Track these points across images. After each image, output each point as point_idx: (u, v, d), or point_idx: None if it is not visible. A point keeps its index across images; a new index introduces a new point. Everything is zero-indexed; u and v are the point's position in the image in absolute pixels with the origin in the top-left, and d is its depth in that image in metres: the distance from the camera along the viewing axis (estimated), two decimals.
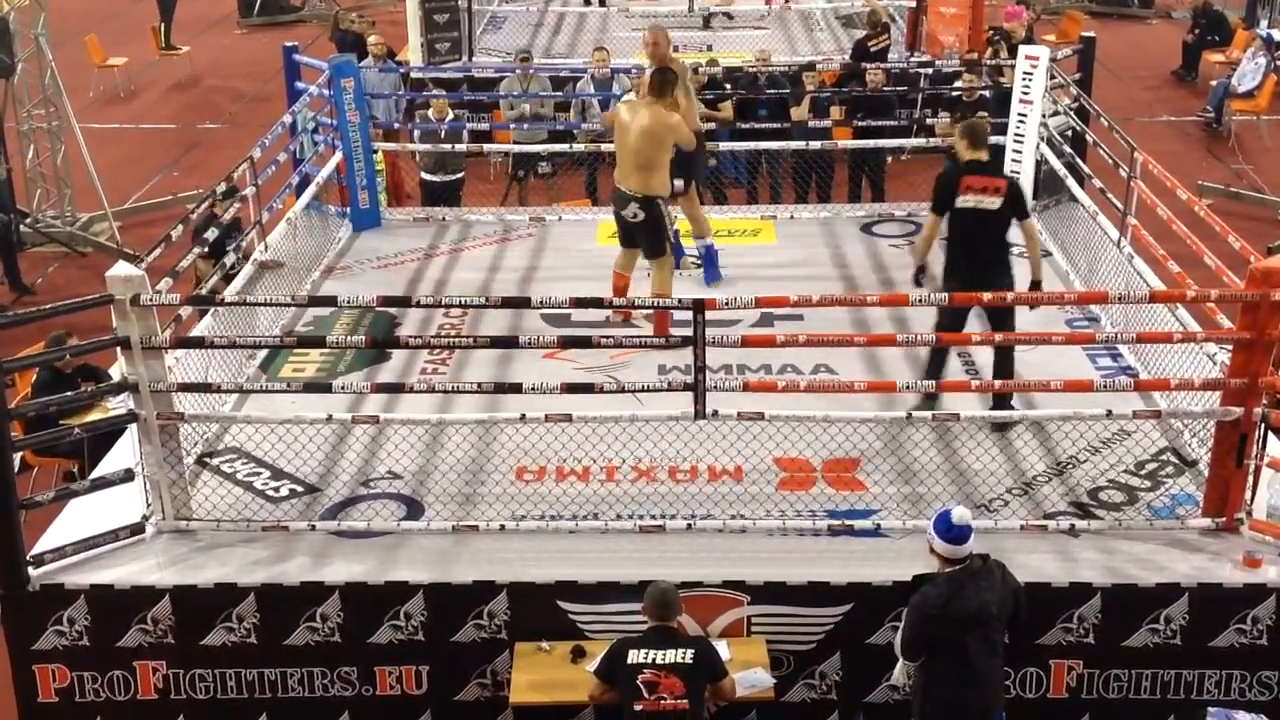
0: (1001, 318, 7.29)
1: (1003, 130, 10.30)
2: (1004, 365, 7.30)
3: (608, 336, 6.78)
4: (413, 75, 13.89)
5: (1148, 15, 21.73)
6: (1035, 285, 7.34)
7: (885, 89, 12.18)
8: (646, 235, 8.46)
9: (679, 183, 8.77)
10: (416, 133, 12.12)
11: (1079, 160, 9.99)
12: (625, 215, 8.43)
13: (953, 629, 5.46)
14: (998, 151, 10.46)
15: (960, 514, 5.49)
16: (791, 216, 10.84)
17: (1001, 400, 7.25)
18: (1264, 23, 18.38)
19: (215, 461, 7.20)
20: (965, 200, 7.23)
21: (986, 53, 13.33)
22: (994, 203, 7.22)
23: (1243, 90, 15.99)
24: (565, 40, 17.15)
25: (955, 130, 7.92)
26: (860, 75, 12.63)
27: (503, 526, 6.57)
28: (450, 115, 12.08)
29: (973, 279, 7.13)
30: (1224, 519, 6.47)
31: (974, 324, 7.52)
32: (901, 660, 5.66)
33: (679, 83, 8.61)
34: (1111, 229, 9.00)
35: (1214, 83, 16.75)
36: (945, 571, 5.53)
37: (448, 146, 11.73)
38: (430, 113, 12.07)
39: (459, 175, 12.16)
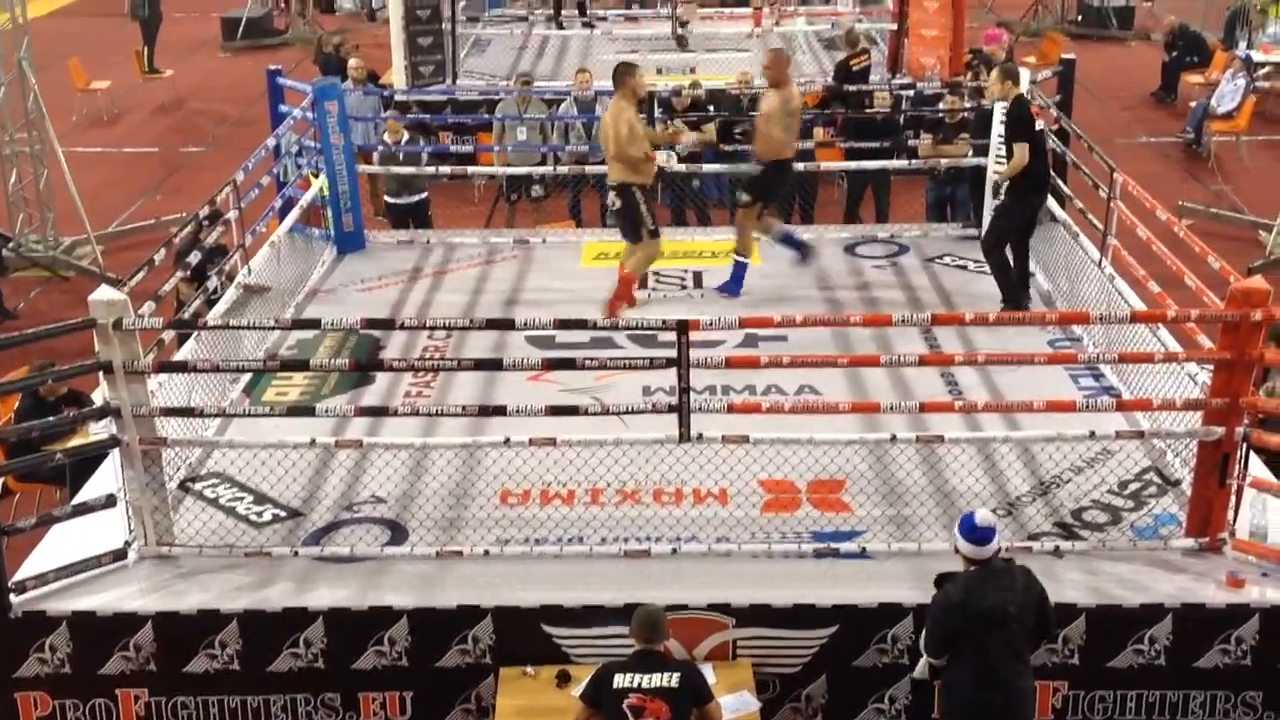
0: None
1: (984, 151, 10.37)
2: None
3: (592, 358, 6.78)
4: (396, 98, 13.90)
5: (1127, 37, 21.88)
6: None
7: (883, 110, 12.23)
8: (624, 220, 9.15)
9: (744, 195, 9.52)
10: (376, 157, 12.12)
11: (1060, 181, 10.03)
12: (609, 204, 9.18)
13: (970, 624, 5.49)
14: (979, 171, 10.57)
15: (984, 516, 5.57)
16: None
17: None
18: (1242, 44, 18.52)
19: (198, 486, 7.17)
20: (1039, 125, 8.74)
21: (966, 75, 13.40)
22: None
23: (1222, 111, 16.09)
24: (549, 64, 17.20)
25: (995, 76, 9.20)
26: (843, 96, 12.68)
27: (487, 551, 6.55)
28: (405, 137, 12.09)
29: (1044, 189, 9.13)
30: (1207, 539, 6.49)
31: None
32: (925, 656, 5.71)
33: (784, 106, 9.22)
34: (1093, 249, 9.04)
35: (1193, 104, 16.86)
36: (969, 570, 5.58)
37: (421, 169, 11.74)
38: (385, 136, 12.08)
39: (422, 196, 12.13)
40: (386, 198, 12.20)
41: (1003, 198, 9.18)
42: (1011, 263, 9.12)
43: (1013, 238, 9.08)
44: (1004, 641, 5.52)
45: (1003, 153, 9.61)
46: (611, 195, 9.17)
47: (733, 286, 9.59)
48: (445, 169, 11.96)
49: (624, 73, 9.07)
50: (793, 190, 12.28)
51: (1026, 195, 8.91)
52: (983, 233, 9.73)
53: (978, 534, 5.53)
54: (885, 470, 7.17)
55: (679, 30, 17.55)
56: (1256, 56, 17.50)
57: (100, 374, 6.34)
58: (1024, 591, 5.58)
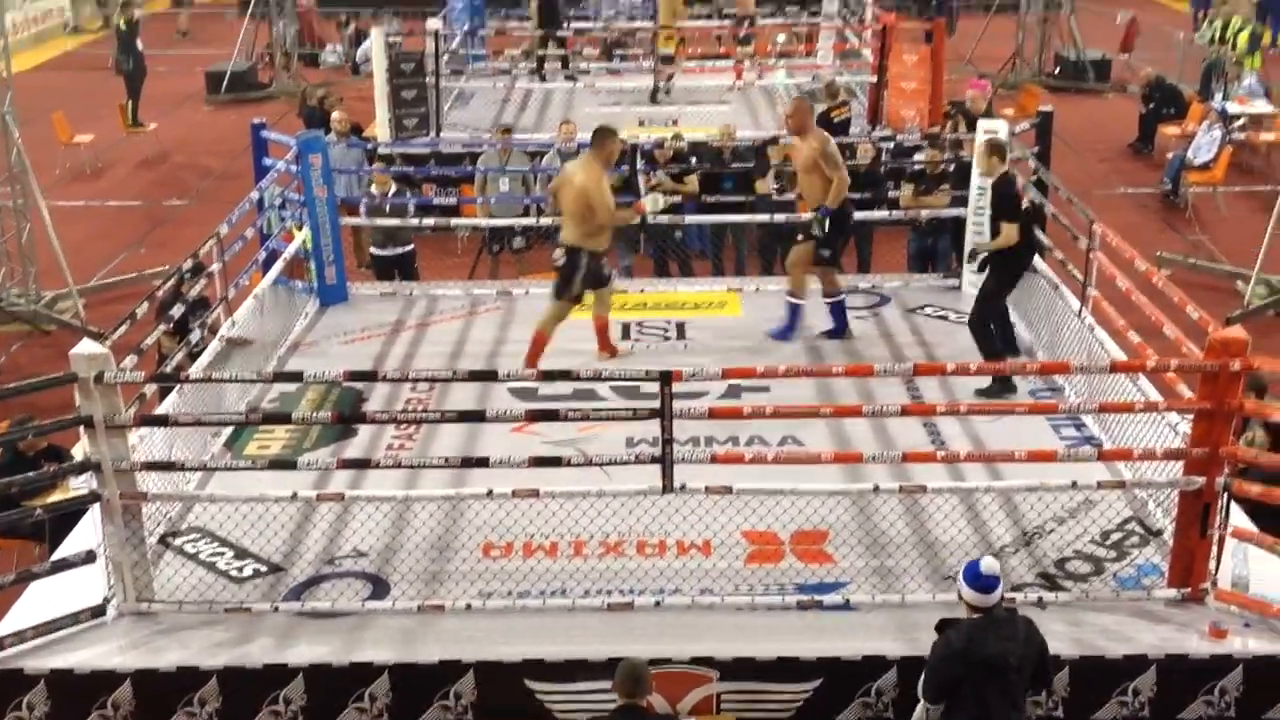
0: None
1: (964, 202, 10.46)
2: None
3: (575, 410, 6.78)
4: (379, 151, 13.96)
5: (1104, 89, 22.11)
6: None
7: (864, 162, 12.29)
8: (559, 277, 9.03)
9: (825, 251, 9.47)
10: (363, 208, 12.17)
11: (1039, 232, 10.11)
12: (553, 258, 9.07)
13: (971, 671, 5.47)
14: (959, 223, 10.64)
15: (989, 564, 5.56)
16: (757, 289, 10.92)
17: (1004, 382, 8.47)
18: (1218, 96, 18.74)
19: (178, 541, 7.13)
20: (1024, 203, 8.80)
21: (945, 126, 13.53)
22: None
23: (1199, 162, 16.25)
24: (532, 116, 17.31)
25: (981, 149, 9.09)
26: None
27: (469, 605, 6.52)
28: (393, 189, 12.14)
29: (1025, 267, 9.05)
30: (1190, 589, 6.49)
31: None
32: (922, 701, 5.68)
33: (821, 150, 9.25)
34: (1073, 300, 9.10)
35: (1170, 155, 17.02)
36: (971, 617, 5.57)
37: (405, 220, 11.79)
38: (373, 188, 12.13)
39: (409, 248, 12.16)
40: (373, 249, 12.23)
41: (987, 275, 8.88)
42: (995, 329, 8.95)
43: (993, 309, 8.92)
44: (1002, 691, 5.50)
45: (981, 222, 9.72)
46: (559, 251, 8.99)
47: (785, 332, 9.65)
48: (428, 221, 12.00)
49: (606, 136, 8.99)
50: (774, 242, 12.39)
51: (1013, 276, 8.86)
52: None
53: (982, 582, 5.52)
54: (868, 521, 7.17)
55: (660, 88, 17.71)
56: (1232, 108, 17.71)
57: (81, 428, 6.32)
58: (1025, 642, 5.57)
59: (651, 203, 9.25)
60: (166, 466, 6.83)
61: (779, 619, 6.45)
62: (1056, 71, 22.50)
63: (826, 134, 9.62)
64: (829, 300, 9.71)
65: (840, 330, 9.70)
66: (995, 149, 8.74)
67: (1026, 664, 5.57)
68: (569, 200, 8.89)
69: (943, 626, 5.66)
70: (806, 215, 9.65)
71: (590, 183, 8.80)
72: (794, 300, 9.65)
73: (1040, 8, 22.48)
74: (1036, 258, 9.85)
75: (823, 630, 6.35)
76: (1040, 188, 10.27)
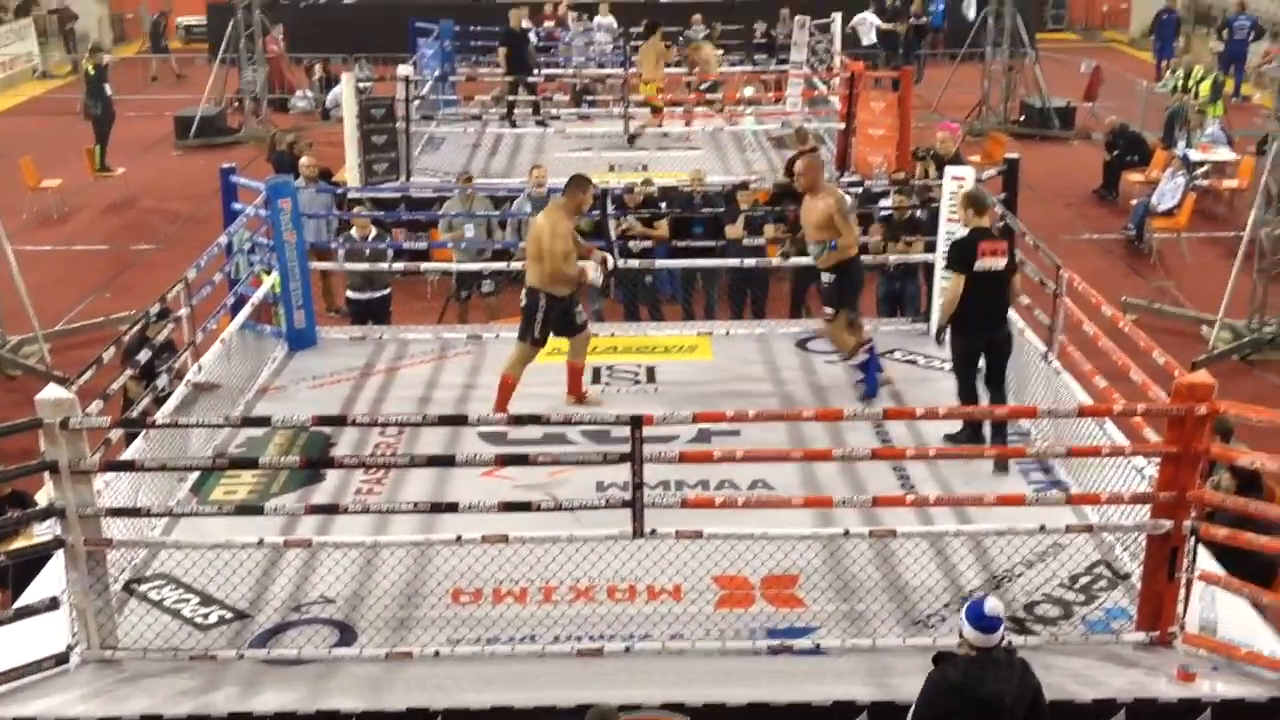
0: (1005, 358, 8.51)
1: (933, 248, 10.53)
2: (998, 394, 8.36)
3: (545, 454, 6.76)
4: (349, 196, 13.96)
5: (1068, 137, 22.36)
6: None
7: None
8: (521, 318, 9.11)
9: (828, 309, 9.38)
10: (341, 252, 12.18)
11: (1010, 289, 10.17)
12: (522, 298, 9.14)
13: (965, 707, 5.44)
14: (929, 267, 10.70)
15: (993, 605, 5.53)
16: (727, 332, 10.95)
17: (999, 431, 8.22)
18: (1181, 143, 18.98)
19: (143, 588, 7.05)
20: (983, 263, 8.23)
21: (916, 170, 13.65)
22: (1001, 263, 8.35)
23: (1163, 209, 16.44)
24: (502, 161, 17.36)
25: (959, 201, 8.95)
26: (794, 193, 12.84)
27: (437, 652, 6.46)
28: (373, 233, 12.16)
29: (987, 329, 8.36)
30: (1158, 633, 6.51)
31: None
32: None
33: (839, 208, 9.22)
34: (1039, 344, 9.16)
35: (1135, 201, 17.21)
36: (970, 655, 5.54)
37: (375, 264, 11.79)
38: (353, 231, 12.15)
39: (386, 291, 12.21)
40: (349, 293, 12.24)
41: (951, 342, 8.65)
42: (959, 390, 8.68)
43: (963, 373, 8.59)
44: None
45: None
46: (523, 292, 9.11)
47: (869, 387, 9.41)
48: (398, 265, 12.00)
49: (575, 185, 9.03)
50: (744, 286, 12.44)
51: (968, 341, 8.48)
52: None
53: (985, 622, 5.50)
54: (839, 565, 7.16)
55: (636, 133, 17.81)
56: (1195, 155, 17.94)
57: (46, 474, 6.26)
58: (1020, 683, 5.55)
59: (593, 270, 9.07)
60: (132, 512, 6.76)
61: (750, 664, 6.42)
62: (1022, 119, 22.76)
63: (839, 191, 9.68)
64: (850, 362, 9.66)
65: (870, 389, 9.48)
66: (968, 201, 8.63)
67: (1020, 705, 5.54)
68: (530, 242, 9.02)
69: (939, 660, 5.63)
70: (806, 260, 9.86)
71: (546, 227, 8.85)
72: (855, 359, 9.46)
73: (1006, 56, 22.76)
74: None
75: (793, 675, 6.33)
76: (1007, 234, 10.36)
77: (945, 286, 9.35)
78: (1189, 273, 15.60)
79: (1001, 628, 5.53)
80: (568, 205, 9.00)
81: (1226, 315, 13.19)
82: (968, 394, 8.55)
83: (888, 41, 26.55)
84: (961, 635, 5.59)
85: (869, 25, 26.40)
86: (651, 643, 6.53)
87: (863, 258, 11.45)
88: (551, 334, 9.13)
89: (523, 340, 9.11)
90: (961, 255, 8.35)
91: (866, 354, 9.47)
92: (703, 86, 18.74)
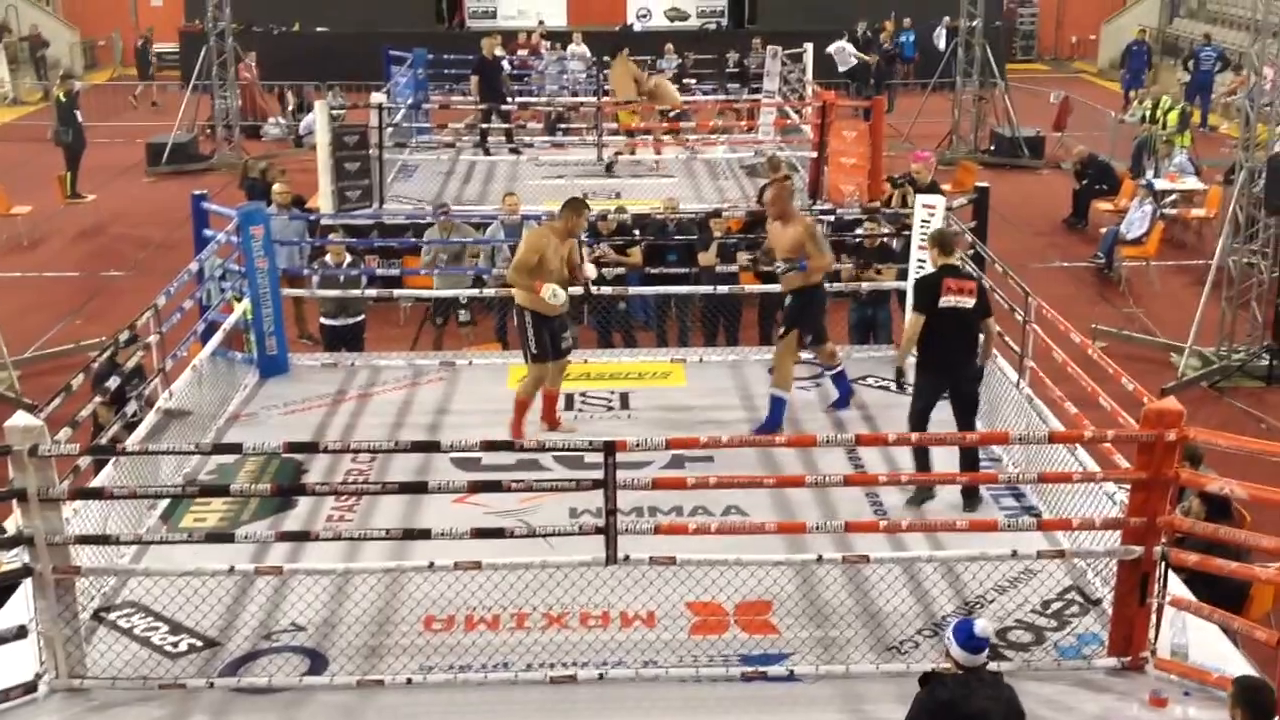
0: (971, 404, 8.28)
1: (905, 275, 10.59)
2: (970, 460, 8.04)
3: (518, 480, 6.75)
4: (322, 222, 13.93)
5: (1038, 166, 22.55)
6: (979, 370, 8.36)
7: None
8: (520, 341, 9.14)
9: (781, 329, 9.43)
10: (315, 279, 12.16)
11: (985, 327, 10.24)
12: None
13: None
14: (901, 294, 10.75)
15: (982, 626, 5.54)
16: (700, 359, 10.97)
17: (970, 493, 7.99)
18: (1149, 172, 19.17)
19: (112, 616, 6.98)
20: (947, 301, 8.06)
21: (895, 196, 13.73)
22: (969, 302, 8.13)
23: (1131, 237, 16.59)
24: (476, 188, 17.37)
25: (926, 240, 8.80)
26: (765, 222, 12.89)
27: (409, 679, 6.43)
28: (348, 259, 12.14)
29: (949, 369, 8.13)
30: (1129, 658, 6.53)
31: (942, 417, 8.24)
32: None
33: (810, 234, 9.28)
34: (1010, 371, 9.22)
35: (1104, 230, 17.36)
36: (957, 674, 5.55)
37: (348, 291, 11.77)
38: (328, 258, 12.14)
39: (360, 318, 12.21)
40: (324, 320, 12.21)
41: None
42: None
43: (915, 413, 8.32)
44: None
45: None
46: (514, 310, 9.23)
47: (770, 424, 9.26)
48: (371, 291, 11.99)
49: (568, 207, 9.05)
50: (717, 313, 12.47)
51: (928, 379, 8.27)
52: None
53: (974, 643, 5.51)
54: (812, 591, 7.17)
55: (609, 161, 17.86)
56: (1163, 185, 18.11)
57: (14, 502, 6.20)
58: (1006, 704, 5.56)
59: (550, 294, 8.92)
60: (101, 540, 6.71)
61: (723, 691, 6.40)
62: (992, 148, 22.94)
63: (809, 218, 9.70)
64: (830, 373, 9.79)
65: (845, 399, 9.67)
66: (934, 240, 8.46)
67: None
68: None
69: (927, 679, 5.63)
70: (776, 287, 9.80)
71: (523, 240, 8.97)
72: (777, 393, 9.33)
73: (976, 86, 22.97)
74: None
75: (767, 702, 6.32)
76: (978, 261, 10.44)
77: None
78: (1158, 300, 15.73)
79: (988, 649, 5.55)
80: (560, 227, 9.04)
81: (1195, 342, 13.30)
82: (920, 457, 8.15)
83: (859, 72, 26.78)
84: (948, 654, 5.61)
85: (847, 54, 26.67)
86: (625, 670, 6.51)
87: (835, 285, 11.60)
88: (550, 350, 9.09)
89: (527, 361, 9.15)
90: (925, 294, 8.23)
91: (830, 373, 9.68)
92: (672, 115, 18.79)
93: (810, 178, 16.33)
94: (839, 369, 9.78)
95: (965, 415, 8.30)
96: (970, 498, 8.05)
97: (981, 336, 8.35)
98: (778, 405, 9.28)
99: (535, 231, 9.09)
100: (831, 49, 26.16)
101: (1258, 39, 13.61)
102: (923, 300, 8.23)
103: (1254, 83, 13.84)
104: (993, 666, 6.36)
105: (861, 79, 26.59)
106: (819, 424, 9.48)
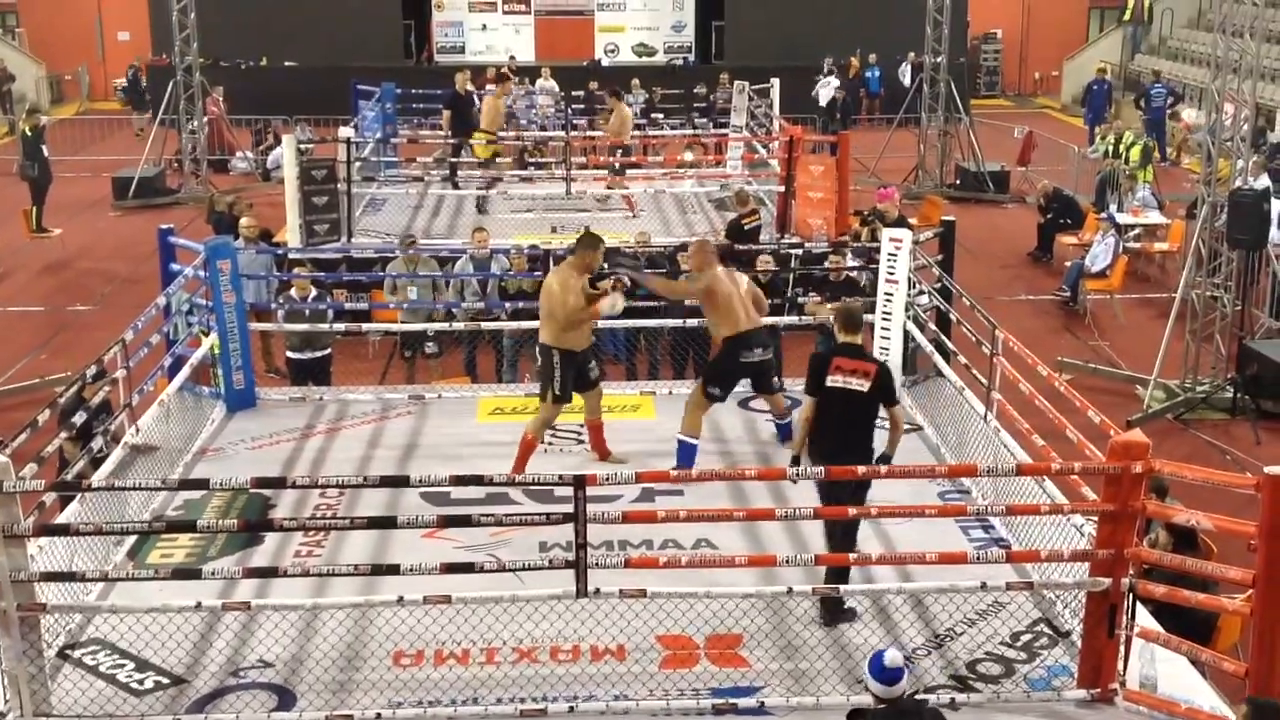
0: (856, 491, 7.29)
1: (873, 309, 10.64)
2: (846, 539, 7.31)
3: (488, 514, 6.74)
4: (290, 256, 13.90)
5: (1003, 200, 22.76)
6: (883, 459, 7.37)
7: (769, 270, 12.48)
8: (540, 377, 9.19)
9: (715, 390, 9.24)
10: (281, 312, 12.12)
11: (944, 338, 10.33)
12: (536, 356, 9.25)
13: None
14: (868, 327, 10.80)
15: (892, 657, 5.60)
16: (670, 392, 10.98)
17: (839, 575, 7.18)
18: (1113, 207, 19.37)
19: (78, 654, 6.91)
20: (834, 380, 7.35)
21: (864, 232, 13.82)
22: (862, 385, 7.33)
23: (1096, 270, 16.75)
24: (444, 221, 17.38)
25: (830, 313, 8.12)
26: (734, 254, 12.96)
27: (379, 715, 6.38)
28: (313, 293, 12.11)
29: (832, 456, 7.18)
30: (1099, 690, 6.56)
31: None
32: None
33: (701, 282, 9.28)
34: (978, 403, 9.27)
35: (1068, 263, 17.52)
36: (878, 708, 5.59)
37: (315, 325, 11.74)
38: (293, 292, 12.11)
39: (326, 351, 12.15)
40: (290, 354, 12.15)
41: None
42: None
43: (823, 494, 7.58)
44: None
45: (888, 326, 9.84)
46: (538, 350, 9.22)
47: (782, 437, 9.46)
48: (339, 325, 11.96)
49: (582, 245, 9.15)
50: (687, 346, 12.49)
51: (811, 454, 7.51)
52: None
53: (887, 674, 5.57)
54: (783, 624, 7.17)
55: (605, 192, 17.92)
56: (1126, 219, 18.31)
57: None
58: None
59: (609, 305, 9.13)
60: (67, 577, 6.65)
61: None
62: (957, 183, 23.14)
63: (722, 275, 9.30)
64: (778, 423, 9.71)
65: (786, 433, 9.55)
66: (838, 316, 7.82)
67: None
68: (542, 300, 9.13)
69: (854, 717, 5.69)
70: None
71: (556, 285, 8.97)
72: (686, 439, 9.12)
73: (941, 122, 23.19)
74: (943, 362, 10.02)
75: None
76: (945, 294, 10.51)
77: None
78: (1123, 333, 15.87)
79: (904, 679, 5.60)
80: (576, 264, 9.09)
81: (1160, 375, 13.41)
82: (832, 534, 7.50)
83: (826, 107, 27.07)
84: (867, 688, 5.65)
85: (831, 87, 27.11)
86: (596, 703, 6.49)
87: (802, 319, 11.63)
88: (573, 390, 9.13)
89: (543, 399, 9.13)
90: (812, 372, 7.50)
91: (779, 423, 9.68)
92: (619, 151, 18.84)
93: (778, 211, 16.43)
94: (786, 423, 9.53)
95: (853, 495, 7.30)
96: (833, 610, 7.25)
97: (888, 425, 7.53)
98: (684, 450, 9.06)
99: (559, 273, 9.08)
100: (819, 84, 26.89)
101: (1218, 75, 13.79)
102: (810, 379, 7.50)
103: (1214, 118, 14.02)
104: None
105: (828, 115, 26.88)
106: (785, 457, 9.47)
